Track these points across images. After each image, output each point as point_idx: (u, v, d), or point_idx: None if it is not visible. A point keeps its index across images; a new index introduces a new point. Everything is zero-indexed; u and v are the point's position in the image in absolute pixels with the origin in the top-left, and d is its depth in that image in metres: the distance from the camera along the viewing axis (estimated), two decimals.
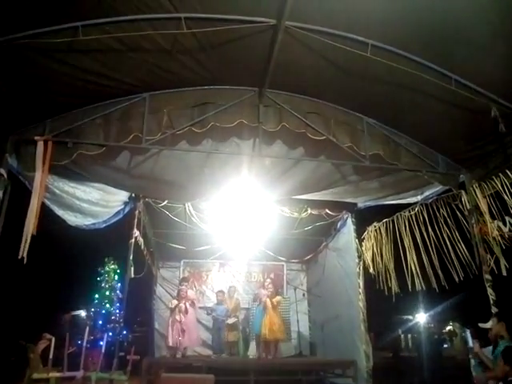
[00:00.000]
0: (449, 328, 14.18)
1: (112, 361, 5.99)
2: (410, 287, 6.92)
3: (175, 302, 7.98)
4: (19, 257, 4.34)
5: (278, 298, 8.49)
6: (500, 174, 5.09)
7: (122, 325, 11.56)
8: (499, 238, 5.09)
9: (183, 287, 8.24)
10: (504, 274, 5.09)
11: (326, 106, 5.20)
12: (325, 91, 5.02)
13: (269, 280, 9.11)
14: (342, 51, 4.01)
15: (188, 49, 4.10)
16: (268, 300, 8.16)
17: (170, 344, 7.64)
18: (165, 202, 7.47)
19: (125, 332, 12.39)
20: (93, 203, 6.23)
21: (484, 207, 5.28)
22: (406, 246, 6.69)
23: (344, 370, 7.51)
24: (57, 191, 5.47)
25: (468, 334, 4.94)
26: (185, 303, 7.96)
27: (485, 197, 5.33)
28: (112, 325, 12.21)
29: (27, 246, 4.34)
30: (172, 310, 7.91)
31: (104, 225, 6.86)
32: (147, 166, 5.57)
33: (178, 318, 7.72)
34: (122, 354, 7.90)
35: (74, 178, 5.65)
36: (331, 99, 5.16)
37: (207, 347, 9.51)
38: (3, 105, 4.26)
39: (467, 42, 3.93)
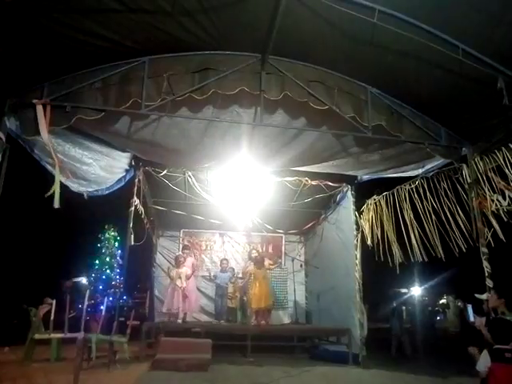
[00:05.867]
0: (442, 301, 14.46)
1: (112, 325, 6.14)
2: (407, 260, 7.02)
3: (176, 270, 8.13)
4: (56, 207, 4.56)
5: (267, 262, 8.68)
6: (502, 148, 5.05)
7: (122, 290, 11.78)
8: (498, 211, 5.10)
9: (180, 254, 8.54)
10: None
11: (329, 74, 5.08)
12: (329, 59, 4.90)
13: (254, 251, 9.34)
14: (348, 16, 3.87)
15: (189, 10, 3.97)
16: (252, 269, 8.42)
17: (171, 310, 7.81)
18: (165, 171, 7.46)
19: (125, 298, 12.65)
20: (99, 168, 6.24)
21: (491, 177, 5.26)
22: (405, 219, 6.71)
23: (338, 338, 7.71)
24: (60, 156, 5.44)
25: (468, 308, 5.05)
26: (187, 270, 8.21)
27: (486, 170, 5.31)
28: (112, 290, 12.47)
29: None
30: (172, 278, 8.06)
31: (107, 192, 6.88)
32: (147, 132, 5.51)
33: (179, 283, 7.87)
34: (121, 319, 8.08)
35: (80, 144, 5.64)
36: (335, 67, 5.04)
37: (205, 313, 9.76)
38: (1, 66, 4.18)
39: (477, 9, 3.81)
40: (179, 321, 7.70)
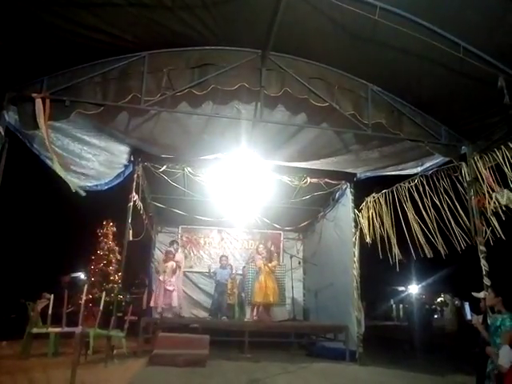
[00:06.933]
0: (440, 299, 14.53)
1: (110, 320, 6.14)
2: (405, 258, 7.02)
3: (162, 263, 8.17)
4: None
5: (274, 262, 8.69)
6: (502, 147, 5.05)
7: (120, 286, 11.79)
8: (497, 210, 5.10)
9: (170, 249, 8.60)
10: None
11: (330, 71, 5.07)
12: (330, 55, 4.89)
13: (262, 246, 9.32)
14: (350, 13, 3.86)
15: (189, 5, 3.94)
16: (262, 263, 8.40)
17: (153, 304, 7.87)
18: (164, 167, 7.43)
19: (123, 293, 12.66)
20: (98, 163, 6.25)
21: (488, 178, 5.26)
22: (404, 217, 6.71)
23: (336, 335, 7.73)
24: (59, 151, 5.43)
25: (466, 306, 5.09)
26: (174, 264, 8.28)
27: (485, 169, 5.30)
28: (110, 285, 12.48)
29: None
30: (157, 272, 8.10)
31: (106, 187, 6.90)
32: (146, 128, 5.51)
33: (161, 278, 7.96)
34: (119, 314, 8.08)
35: (79, 139, 5.63)
36: (336, 64, 5.03)
37: (204, 310, 9.77)
38: (0, 60, 4.15)
39: (479, 7, 3.80)
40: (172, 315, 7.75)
